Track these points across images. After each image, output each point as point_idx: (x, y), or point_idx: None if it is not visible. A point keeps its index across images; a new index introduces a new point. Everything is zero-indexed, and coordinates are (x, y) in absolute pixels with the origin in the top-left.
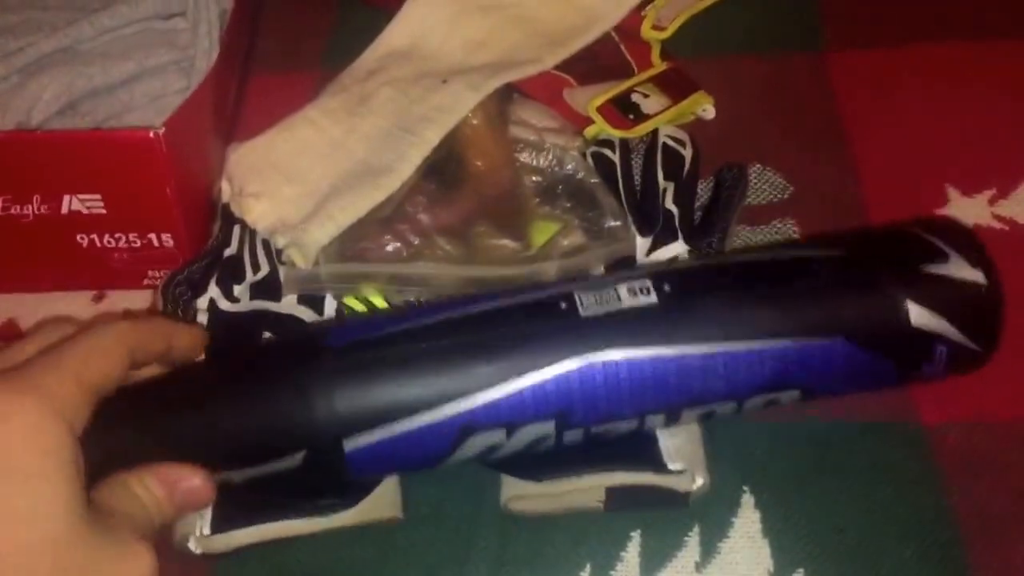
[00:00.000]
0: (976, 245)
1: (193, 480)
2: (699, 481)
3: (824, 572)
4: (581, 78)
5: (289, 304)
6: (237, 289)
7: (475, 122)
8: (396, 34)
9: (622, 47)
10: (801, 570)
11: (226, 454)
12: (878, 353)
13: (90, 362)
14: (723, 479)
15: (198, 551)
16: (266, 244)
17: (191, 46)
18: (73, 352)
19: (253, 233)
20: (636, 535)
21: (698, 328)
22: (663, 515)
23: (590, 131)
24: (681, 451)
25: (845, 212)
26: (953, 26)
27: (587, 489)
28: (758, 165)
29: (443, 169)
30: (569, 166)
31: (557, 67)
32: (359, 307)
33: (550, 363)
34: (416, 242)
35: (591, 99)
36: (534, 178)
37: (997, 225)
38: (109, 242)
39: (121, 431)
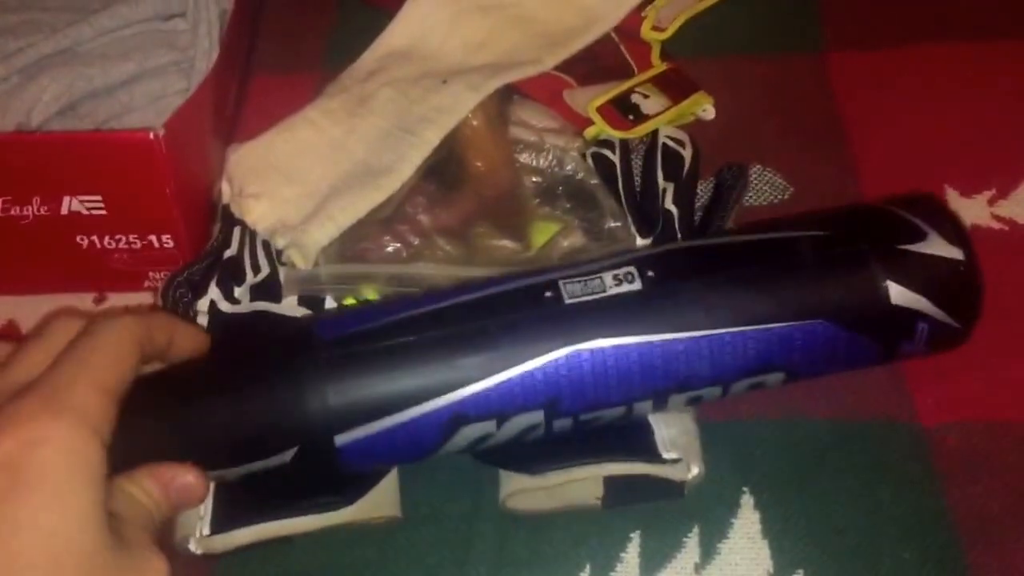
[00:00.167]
0: (954, 222)
1: (187, 477)
2: (694, 470)
3: (824, 573)
4: (581, 79)
5: (289, 305)
6: (237, 291)
7: (475, 123)
8: (396, 35)
9: (622, 48)
10: (800, 571)
11: (219, 450)
12: (860, 333)
13: (110, 368)
14: (723, 480)
15: (198, 551)
16: (266, 245)
17: (191, 47)
18: (92, 360)
19: (253, 234)
20: (636, 536)
21: (682, 315)
22: (663, 516)
23: (590, 132)
24: (676, 441)
25: None
26: (953, 26)
27: (584, 480)
28: (758, 165)
29: (443, 170)
30: (569, 167)
31: (557, 68)
32: None
33: (538, 353)
34: (416, 243)
35: (591, 100)
36: (534, 179)
37: (996, 225)
38: (109, 243)
39: (119, 433)
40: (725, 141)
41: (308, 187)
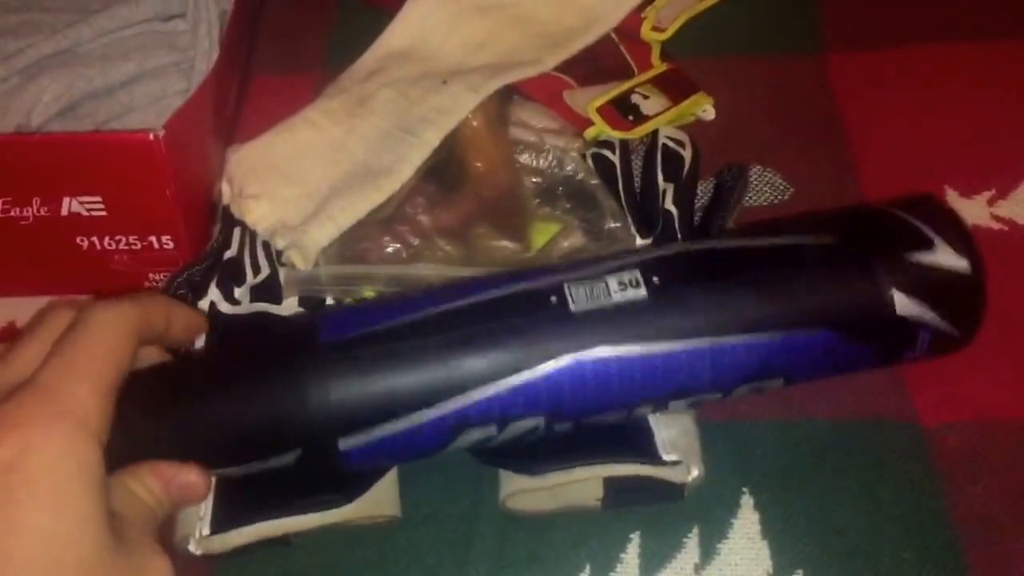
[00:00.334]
0: (962, 231)
1: (189, 475)
2: (694, 472)
3: (823, 573)
4: (581, 79)
5: (290, 306)
6: (238, 291)
7: (475, 123)
8: (396, 35)
9: (622, 48)
10: (800, 571)
11: (222, 452)
12: (862, 342)
13: (106, 360)
14: (723, 480)
15: (198, 552)
16: (266, 246)
17: (191, 48)
18: (87, 353)
19: (253, 235)
20: (636, 536)
21: (686, 324)
22: (662, 516)
23: (590, 132)
24: (676, 443)
25: None
26: (953, 27)
27: (584, 481)
28: (758, 166)
29: (443, 170)
30: (569, 167)
31: (557, 68)
32: None
33: (541, 361)
34: (416, 243)
35: (591, 100)
36: (534, 179)
37: (996, 226)
38: (109, 244)
39: (118, 430)
40: (725, 141)
41: (308, 188)
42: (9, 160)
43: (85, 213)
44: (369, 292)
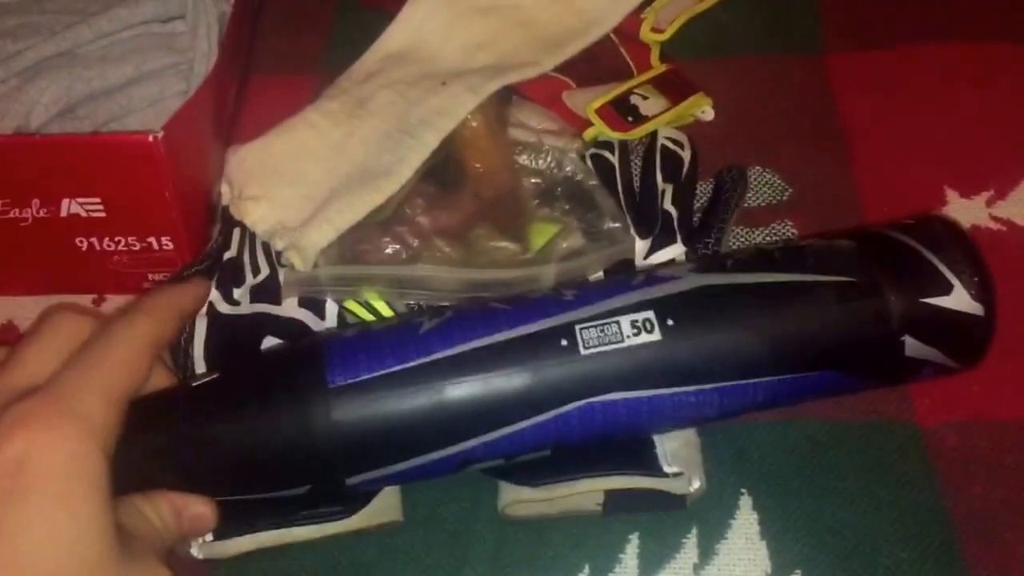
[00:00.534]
0: (981, 274)
1: (199, 507)
2: (696, 484)
3: (822, 573)
4: (580, 80)
5: (289, 307)
6: (237, 292)
7: (474, 124)
8: (395, 37)
9: (621, 49)
10: (799, 571)
11: (229, 490)
12: (866, 377)
13: (121, 376)
14: (721, 481)
15: (200, 556)
16: (266, 247)
17: (190, 49)
18: (104, 367)
19: (253, 236)
20: (634, 537)
21: (700, 370)
22: (661, 517)
23: (589, 133)
24: (677, 455)
25: (844, 214)
26: (952, 28)
27: (585, 493)
28: (757, 167)
29: (442, 171)
30: (568, 168)
31: (556, 69)
32: (360, 311)
33: (551, 407)
34: (415, 244)
35: (590, 101)
36: (533, 180)
37: (994, 226)
38: (108, 245)
39: (132, 453)
40: (724, 142)
41: (307, 189)
42: (8, 161)
43: (84, 214)
44: (369, 293)
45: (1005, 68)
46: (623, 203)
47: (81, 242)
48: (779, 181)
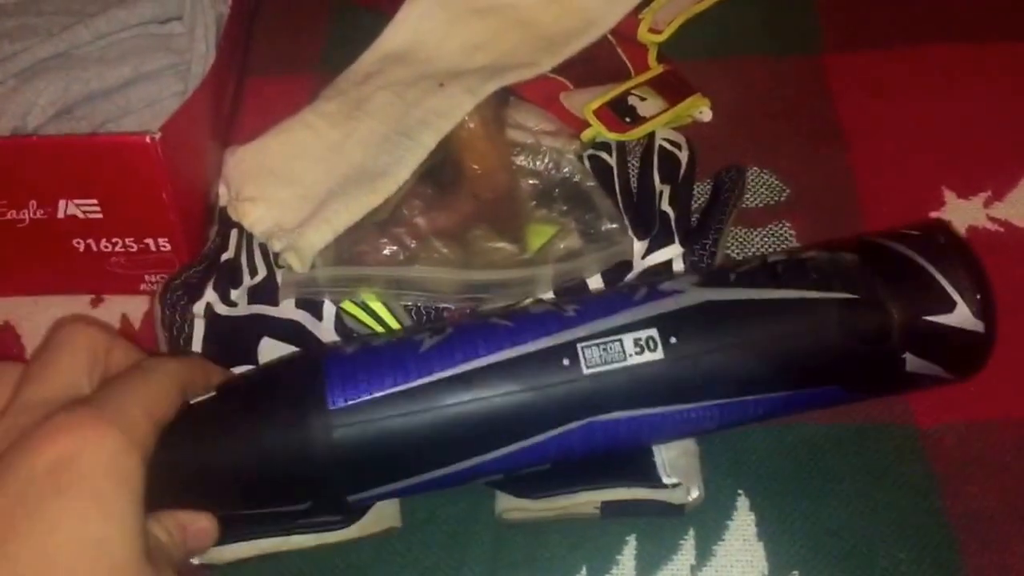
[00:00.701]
0: (984, 291)
1: (202, 522)
2: (694, 493)
3: (819, 574)
4: (578, 81)
5: (287, 308)
6: (234, 293)
7: (472, 125)
8: (393, 37)
9: (619, 50)
10: (796, 573)
11: (231, 507)
12: (865, 391)
13: (158, 401)
14: (718, 483)
15: (197, 562)
16: (263, 248)
17: (188, 50)
18: (144, 390)
19: (250, 237)
20: (632, 539)
21: (702, 388)
22: (659, 519)
23: (586, 134)
24: (676, 464)
25: (842, 215)
26: (950, 29)
27: (582, 504)
28: (755, 167)
29: (440, 173)
30: (566, 169)
31: (554, 70)
32: (357, 312)
33: (552, 427)
34: (413, 245)
35: (587, 102)
36: (531, 181)
37: (992, 227)
38: (106, 246)
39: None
40: (722, 143)
41: (305, 190)
42: (5, 162)
43: (81, 215)
44: (366, 294)
45: (1004, 69)
46: (621, 204)
47: (78, 243)
48: (777, 182)
